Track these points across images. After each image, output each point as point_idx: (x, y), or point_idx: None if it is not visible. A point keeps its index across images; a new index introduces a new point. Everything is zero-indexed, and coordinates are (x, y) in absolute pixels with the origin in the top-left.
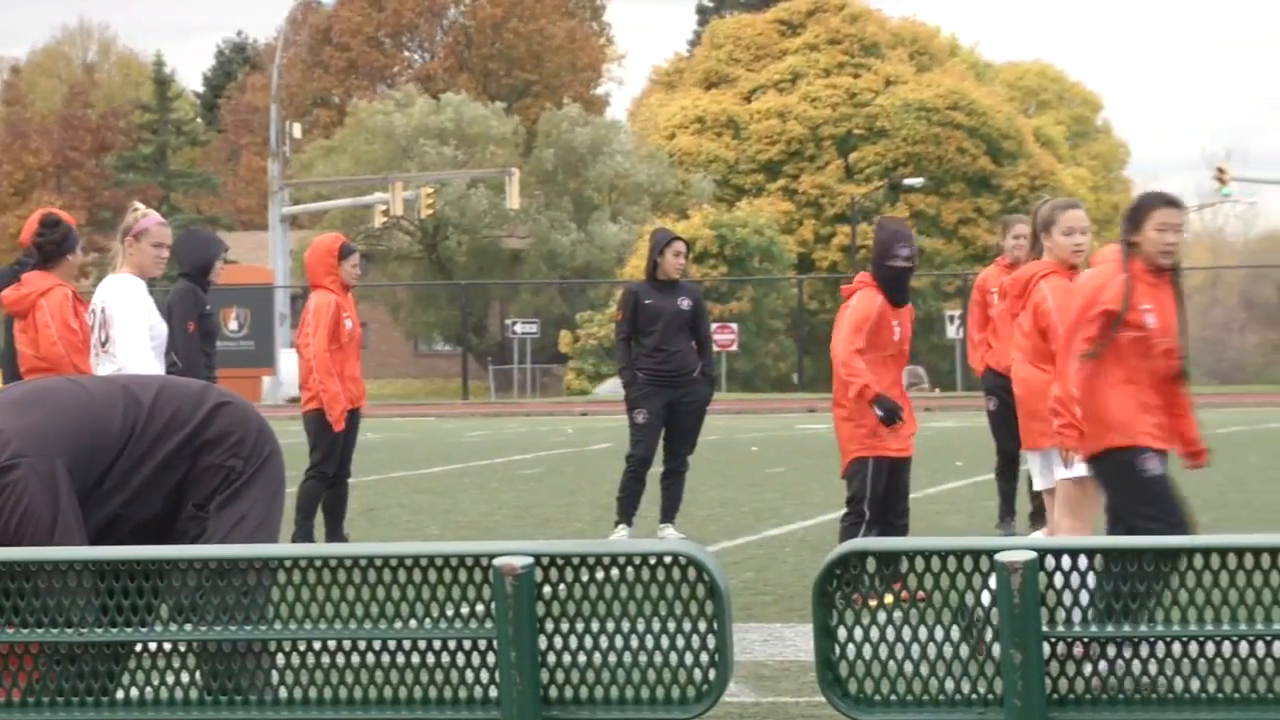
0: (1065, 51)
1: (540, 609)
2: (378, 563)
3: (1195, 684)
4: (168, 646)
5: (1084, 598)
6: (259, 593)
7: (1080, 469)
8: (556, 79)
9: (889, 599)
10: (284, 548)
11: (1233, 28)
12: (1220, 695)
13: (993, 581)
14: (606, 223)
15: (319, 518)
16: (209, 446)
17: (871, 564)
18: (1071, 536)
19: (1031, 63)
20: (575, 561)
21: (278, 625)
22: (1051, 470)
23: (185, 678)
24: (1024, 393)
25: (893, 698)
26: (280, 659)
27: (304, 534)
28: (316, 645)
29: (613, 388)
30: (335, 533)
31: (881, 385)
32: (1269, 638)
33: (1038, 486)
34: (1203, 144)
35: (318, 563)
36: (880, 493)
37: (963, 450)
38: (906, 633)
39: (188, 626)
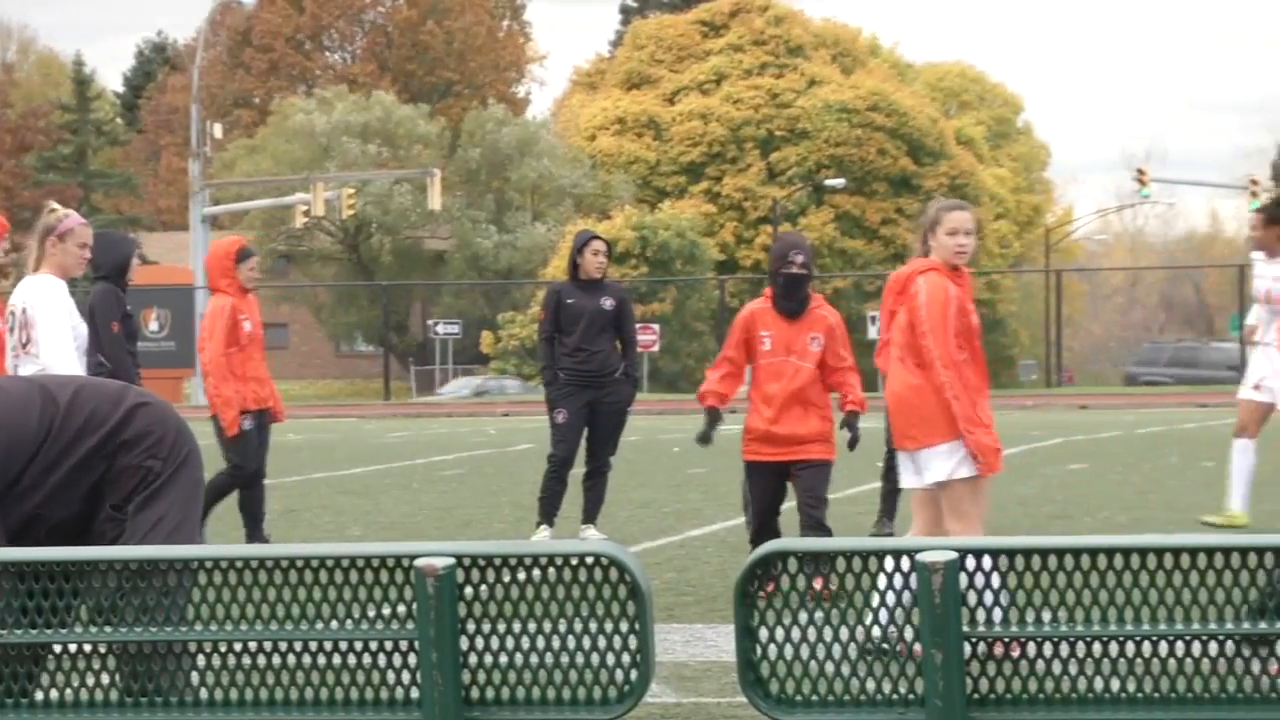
0: (986, 53)
1: (462, 610)
2: (299, 564)
3: (1115, 684)
4: (87, 648)
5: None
6: (179, 594)
7: (965, 470)
8: (478, 79)
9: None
10: (204, 549)
11: (1153, 30)
12: (1140, 695)
13: (913, 581)
14: (529, 224)
15: (237, 520)
16: (127, 447)
17: (794, 564)
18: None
19: (952, 64)
20: (497, 562)
21: (198, 627)
22: (920, 472)
23: (105, 679)
24: (895, 390)
25: (814, 698)
26: (200, 660)
27: (254, 537)
28: (237, 646)
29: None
30: (255, 534)
31: (761, 395)
32: (1188, 637)
33: (903, 485)
34: (1123, 145)
35: (238, 564)
36: (757, 496)
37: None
38: (828, 633)
39: (107, 628)
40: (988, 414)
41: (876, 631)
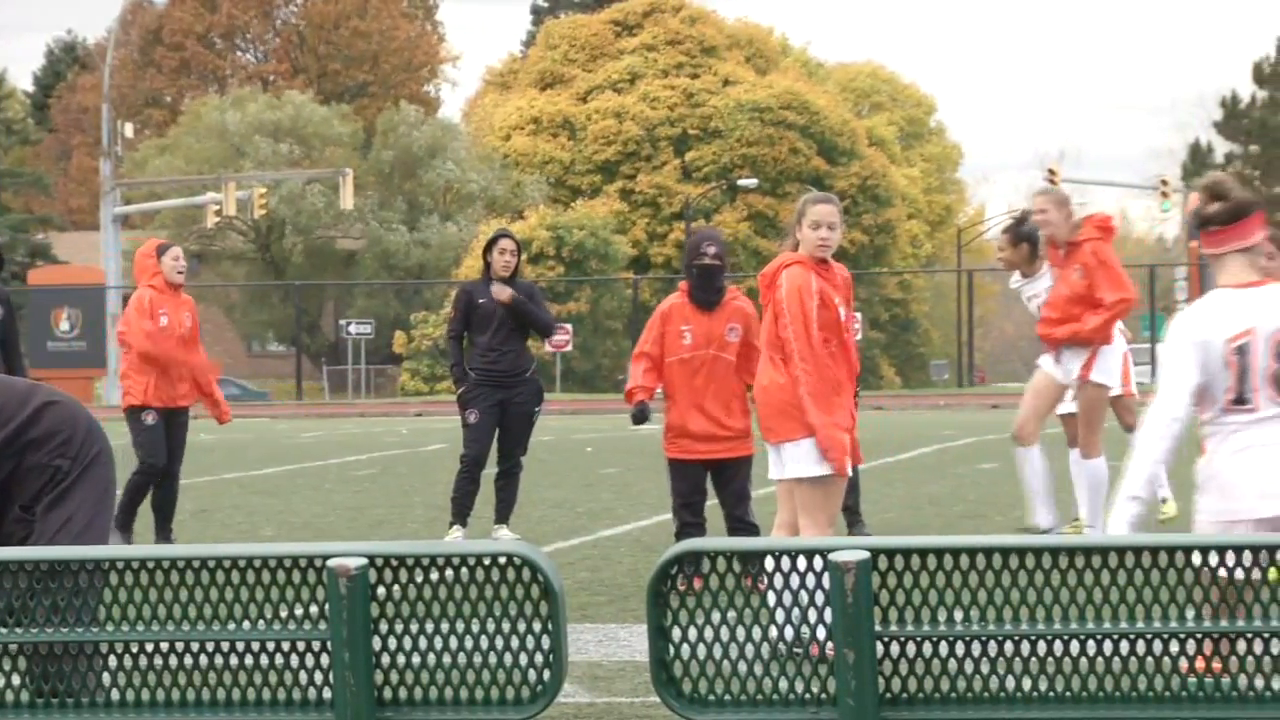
0: (898, 53)
1: (374, 610)
2: (210, 564)
3: (1026, 683)
4: None
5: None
6: (90, 594)
7: (818, 469)
8: (391, 79)
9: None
10: (115, 549)
11: (1067, 31)
12: (1051, 694)
13: (825, 581)
14: (440, 224)
15: (149, 519)
16: (35, 445)
17: (705, 564)
18: (820, 537)
19: (864, 64)
20: (409, 562)
21: (109, 627)
22: (783, 465)
23: (15, 680)
24: (761, 384)
25: (727, 698)
26: (112, 661)
27: (121, 524)
28: (149, 647)
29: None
30: (163, 532)
31: (682, 391)
32: (1099, 636)
33: (770, 476)
34: (1035, 145)
35: (150, 564)
36: (680, 492)
37: None
38: (740, 633)
39: (17, 629)
40: (850, 411)
41: (773, 633)
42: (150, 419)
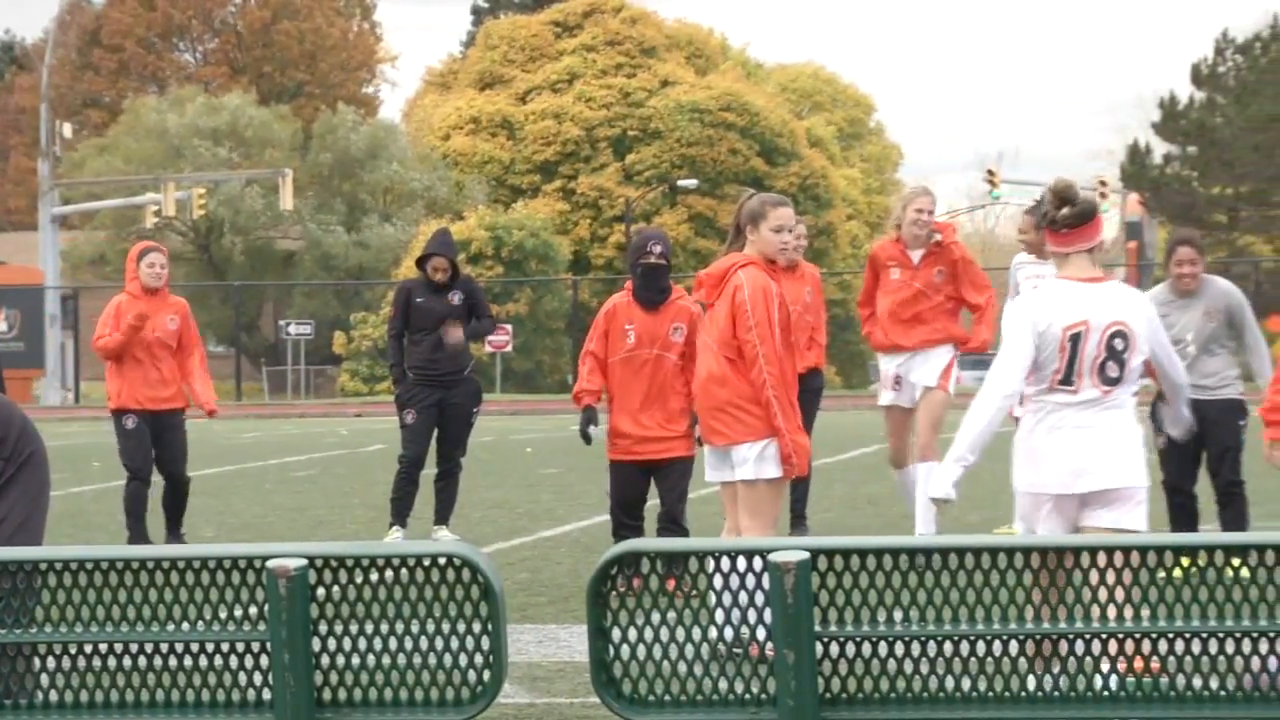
0: (838, 54)
1: (314, 611)
2: (150, 565)
3: (966, 683)
4: None
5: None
6: (28, 595)
7: (772, 471)
8: (329, 80)
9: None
10: (50, 550)
11: (1006, 32)
12: (990, 694)
13: (765, 581)
14: (380, 224)
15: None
16: None
17: (645, 565)
18: (760, 537)
19: (804, 65)
20: (349, 563)
21: (47, 628)
22: (734, 468)
23: None
24: (709, 386)
25: (666, 698)
26: (50, 662)
27: (136, 536)
28: (87, 648)
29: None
30: (173, 533)
31: (624, 391)
32: (1038, 637)
33: (708, 479)
34: (975, 146)
35: (89, 565)
36: (618, 494)
37: None
38: (680, 633)
39: None
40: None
41: (713, 634)
42: (130, 423)
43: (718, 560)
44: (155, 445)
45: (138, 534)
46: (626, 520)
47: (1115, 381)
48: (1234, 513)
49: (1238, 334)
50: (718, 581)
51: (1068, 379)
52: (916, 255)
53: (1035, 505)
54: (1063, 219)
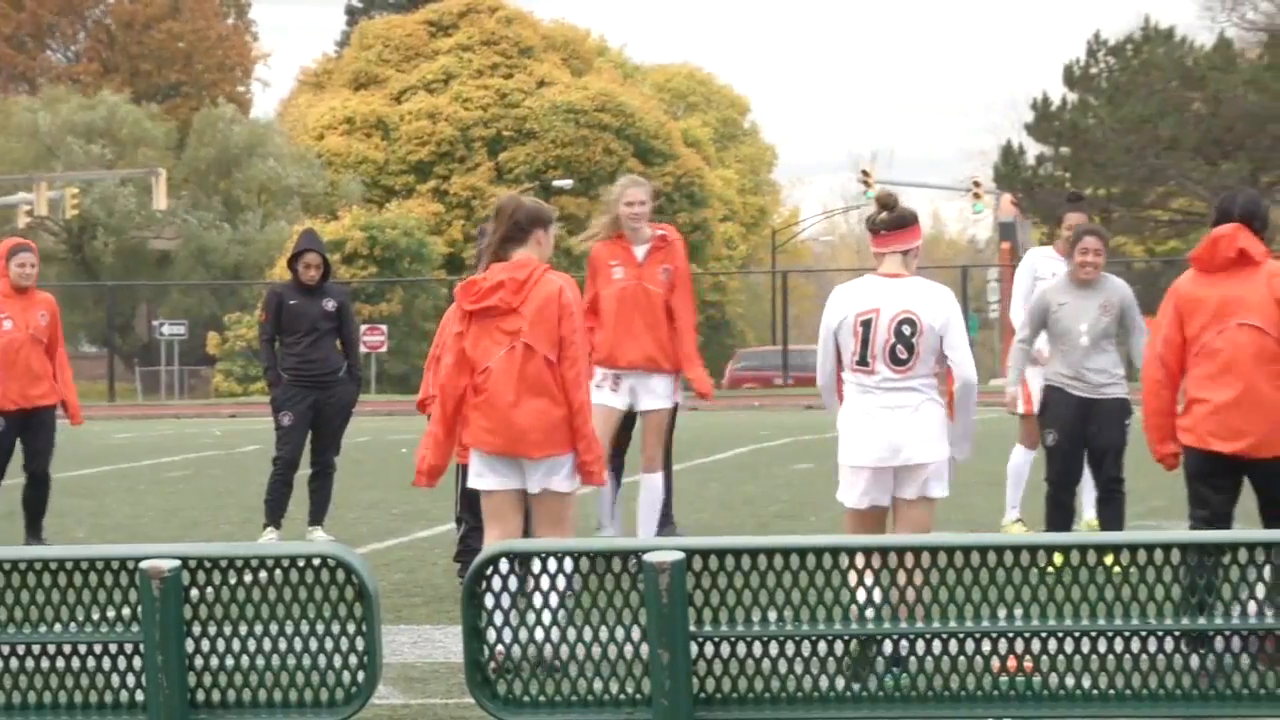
0: (713, 54)
1: (188, 612)
2: (21, 566)
3: (840, 682)
4: None
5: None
6: None
7: (576, 481)
8: (204, 78)
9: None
10: None
11: (880, 33)
12: (864, 694)
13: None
14: (256, 223)
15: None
16: None
17: (519, 566)
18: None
19: (680, 65)
20: (223, 564)
21: None
22: (548, 478)
23: None
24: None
25: (541, 698)
26: None
27: (30, 537)
28: None
29: None
30: (32, 532)
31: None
32: (911, 636)
33: (488, 487)
34: (849, 146)
35: None
36: (469, 494)
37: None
38: (555, 634)
39: None
40: None
41: (539, 635)
42: None
43: (593, 561)
44: (23, 440)
45: (36, 533)
46: (474, 522)
47: (904, 363)
48: (1114, 510)
49: (1126, 330)
50: (543, 583)
51: (863, 360)
52: (640, 251)
53: (856, 477)
54: (881, 222)
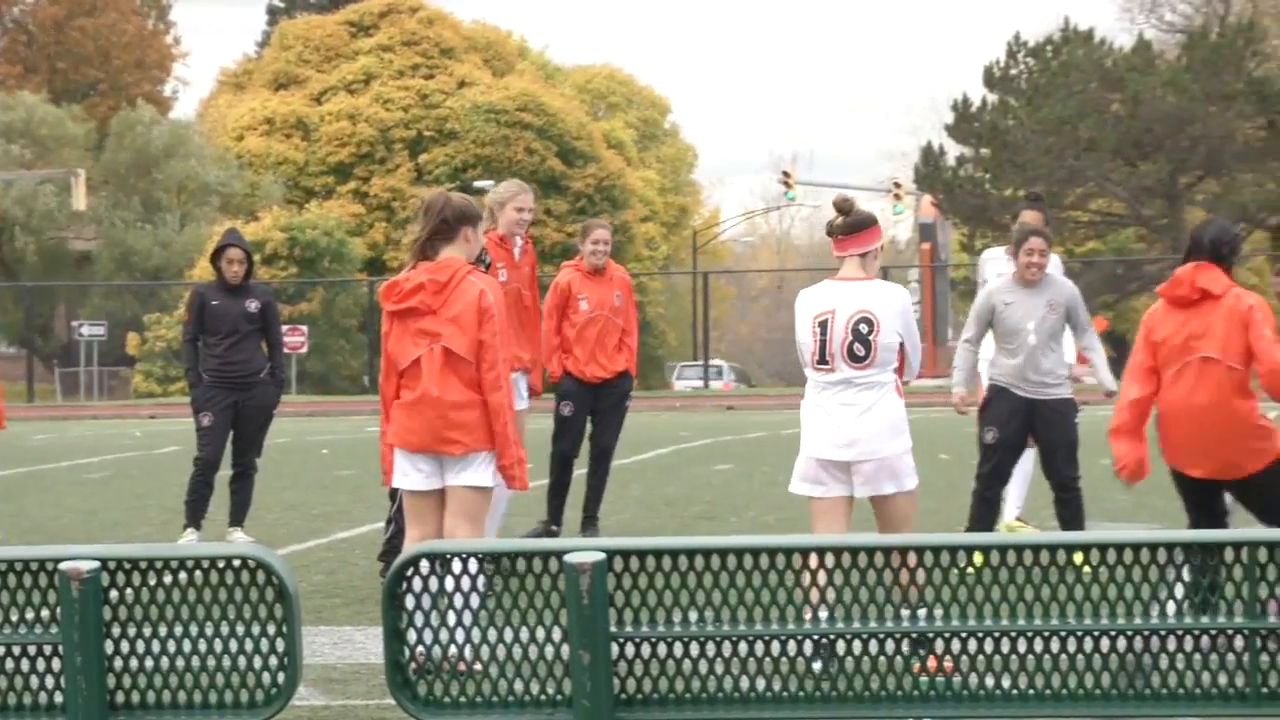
0: (634, 55)
1: (107, 613)
2: None
3: (760, 683)
4: None
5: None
6: None
7: (475, 477)
8: (123, 78)
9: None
10: None
11: (800, 34)
12: (785, 694)
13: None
14: (176, 224)
15: None
16: None
17: (440, 565)
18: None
19: (600, 66)
20: (143, 565)
21: None
22: (469, 472)
23: None
24: (463, 393)
25: (462, 700)
26: None
27: None
28: None
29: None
30: None
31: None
32: (832, 636)
33: (412, 486)
34: (770, 147)
35: None
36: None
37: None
38: (476, 634)
39: None
40: None
41: (428, 637)
42: None
43: (529, 561)
44: None
45: None
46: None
47: (863, 360)
48: (1072, 510)
49: (1074, 328)
50: (530, 582)
51: (822, 359)
52: (517, 253)
53: (818, 468)
54: (838, 226)
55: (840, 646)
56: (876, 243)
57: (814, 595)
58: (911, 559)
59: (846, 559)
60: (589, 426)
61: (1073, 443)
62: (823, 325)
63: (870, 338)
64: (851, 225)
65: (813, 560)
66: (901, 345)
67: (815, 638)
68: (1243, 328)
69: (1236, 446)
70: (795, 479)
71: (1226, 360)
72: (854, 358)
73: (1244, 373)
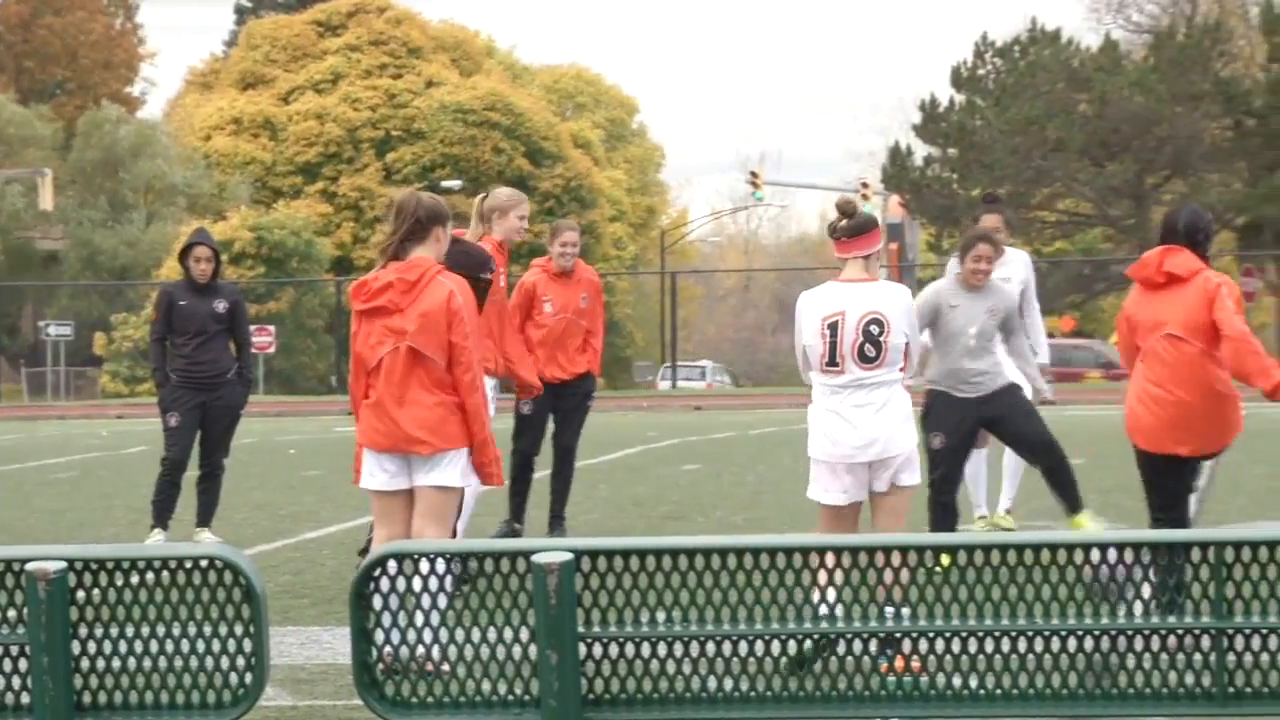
0: (602, 55)
1: (74, 614)
2: None
3: (729, 683)
4: None
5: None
6: None
7: (472, 478)
8: (90, 78)
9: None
10: None
11: (768, 33)
12: (753, 694)
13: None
14: (143, 223)
15: None
16: None
17: (409, 566)
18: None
19: (568, 66)
20: (110, 566)
21: None
22: (441, 472)
23: None
24: (435, 395)
25: (429, 700)
26: None
27: None
28: None
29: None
30: None
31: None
32: (800, 636)
33: (382, 487)
34: (737, 147)
35: None
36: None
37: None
38: (443, 635)
39: None
40: None
41: (395, 638)
42: None
43: (496, 561)
44: None
45: None
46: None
47: (873, 361)
48: (1063, 476)
49: (1003, 333)
50: (497, 583)
51: (832, 361)
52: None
53: (832, 472)
54: (842, 229)
55: (808, 647)
56: (879, 244)
57: (814, 595)
58: (907, 558)
59: (814, 561)
60: (551, 426)
61: (1036, 430)
62: (832, 327)
63: (881, 338)
64: (855, 228)
65: (813, 560)
66: (907, 344)
67: (799, 638)
68: (1208, 304)
69: (1214, 422)
70: (815, 487)
71: (1192, 338)
72: (864, 359)
73: (1210, 350)
